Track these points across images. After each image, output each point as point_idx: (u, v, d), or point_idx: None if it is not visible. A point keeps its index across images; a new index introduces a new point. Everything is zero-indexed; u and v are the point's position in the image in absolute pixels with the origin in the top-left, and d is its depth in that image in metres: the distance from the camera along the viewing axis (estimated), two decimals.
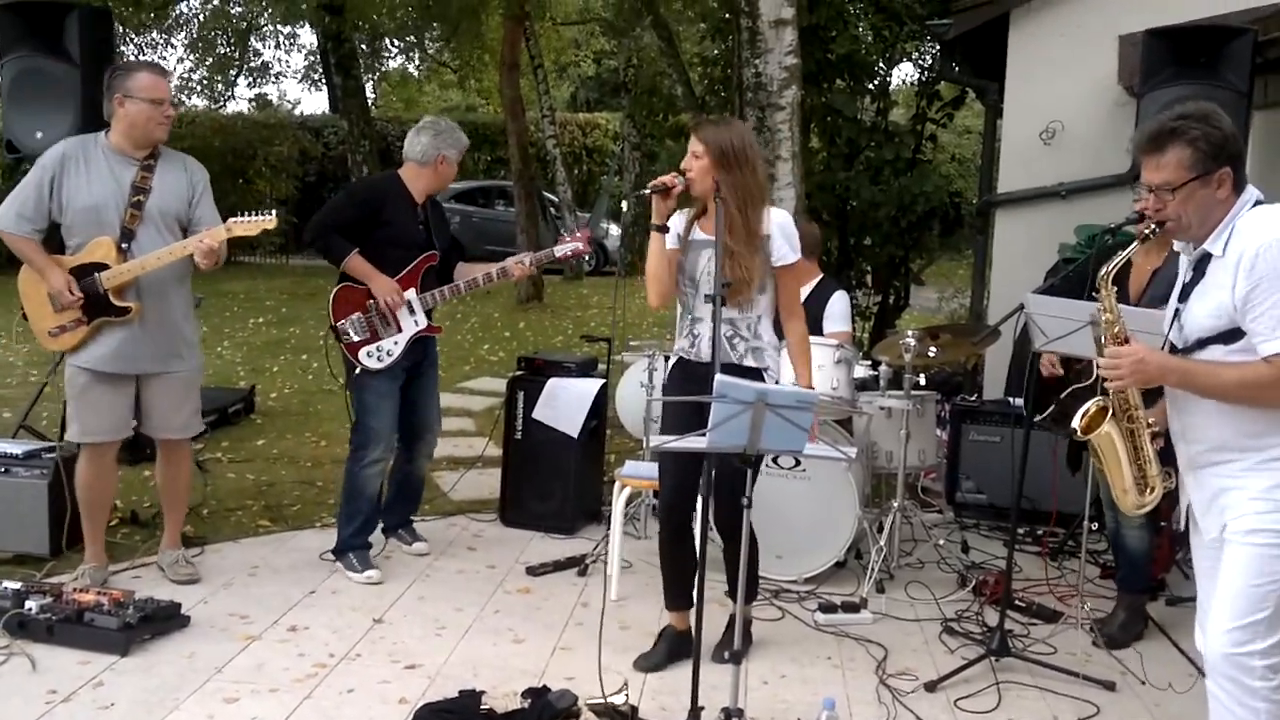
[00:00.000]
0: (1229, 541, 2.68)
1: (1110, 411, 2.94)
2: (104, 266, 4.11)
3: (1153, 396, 2.94)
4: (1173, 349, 2.78)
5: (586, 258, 4.82)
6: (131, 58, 19.95)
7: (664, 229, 3.74)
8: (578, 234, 4.77)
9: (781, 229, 3.80)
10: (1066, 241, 6.30)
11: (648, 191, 3.70)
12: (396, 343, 4.63)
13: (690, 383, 3.77)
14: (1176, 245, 2.93)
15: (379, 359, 4.61)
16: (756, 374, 3.75)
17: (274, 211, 4.18)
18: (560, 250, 4.68)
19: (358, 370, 4.64)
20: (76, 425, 4.26)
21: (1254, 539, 2.62)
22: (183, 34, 20.55)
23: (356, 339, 4.61)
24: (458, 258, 4.92)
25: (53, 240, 4.23)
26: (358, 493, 4.70)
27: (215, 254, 4.12)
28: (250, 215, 4.16)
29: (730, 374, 3.57)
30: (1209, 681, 2.72)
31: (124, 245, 4.13)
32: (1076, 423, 3.01)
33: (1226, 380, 2.63)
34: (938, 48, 9.08)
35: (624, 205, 19.65)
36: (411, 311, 4.64)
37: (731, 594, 3.93)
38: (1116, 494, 3.08)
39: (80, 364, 4.19)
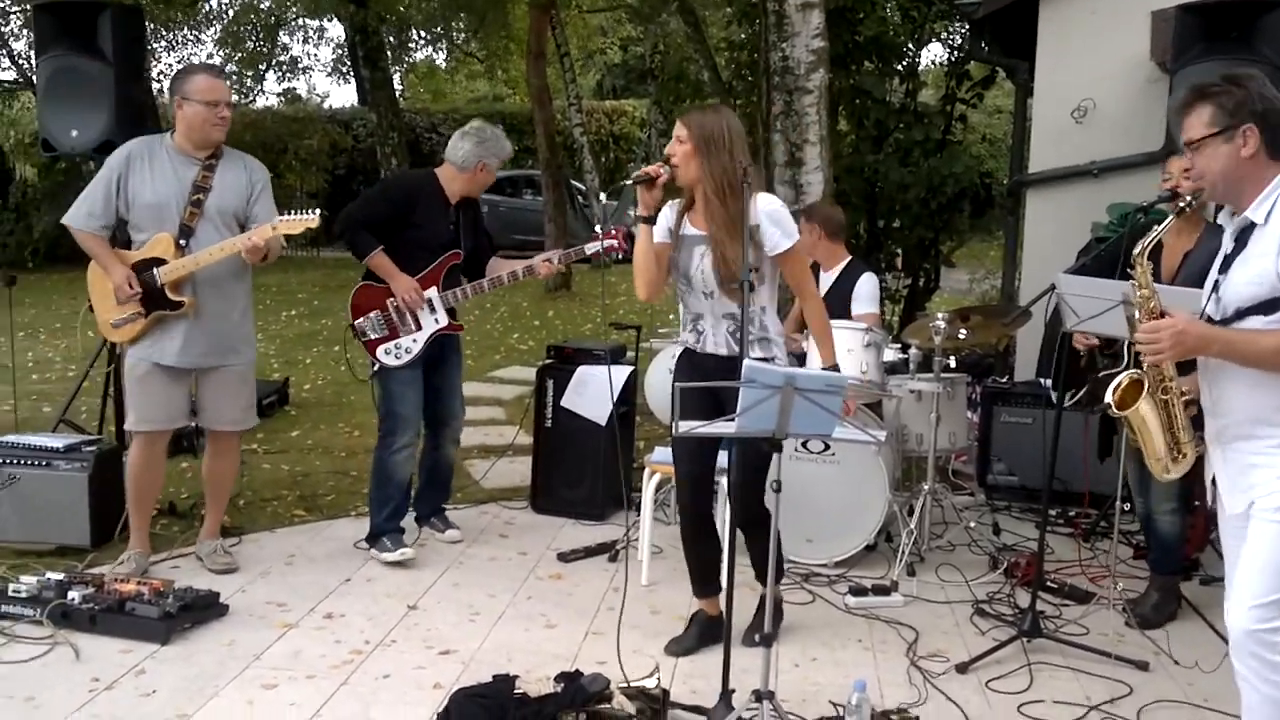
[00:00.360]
0: (1255, 518, 2.67)
1: (1145, 385, 2.92)
2: (163, 262, 4.25)
3: (1186, 367, 2.92)
4: (1209, 322, 2.75)
5: (618, 255, 4.72)
6: (162, 55, 20.18)
7: (650, 220, 3.69)
8: (612, 230, 4.68)
9: (770, 216, 3.67)
10: (1099, 220, 6.24)
11: (631, 183, 3.65)
12: (415, 340, 4.68)
13: (697, 373, 3.73)
14: (1221, 218, 2.89)
15: (397, 356, 4.67)
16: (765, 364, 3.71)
17: (317, 210, 4.28)
18: (591, 248, 4.62)
19: (376, 365, 4.71)
20: (134, 413, 4.40)
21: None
22: (212, 29, 20.71)
23: (374, 337, 4.68)
24: (489, 252, 4.94)
25: (119, 237, 4.39)
26: (387, 478, 4.76)
27: (260, 250, 4.22)
28: (295, 214, 4.27)
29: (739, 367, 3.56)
30: (1234, 659, 2.70)
31: (182, 241, 4.27)
32: (1109, 397, 3.00)
33: (1265, 347, 2.59)
34: (967, 27, 9.00)
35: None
36: (432, 310, 4.68)
37: (760, 578, 3.94)
38: (1150, 462, 3.08)
39: (140, 355, 4.34)
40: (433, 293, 4.68)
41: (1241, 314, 2.66)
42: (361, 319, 4.69)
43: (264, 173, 4.52)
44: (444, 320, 4.71)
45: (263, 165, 4.56)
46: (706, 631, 3.90)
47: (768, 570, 3.37)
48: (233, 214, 4.37)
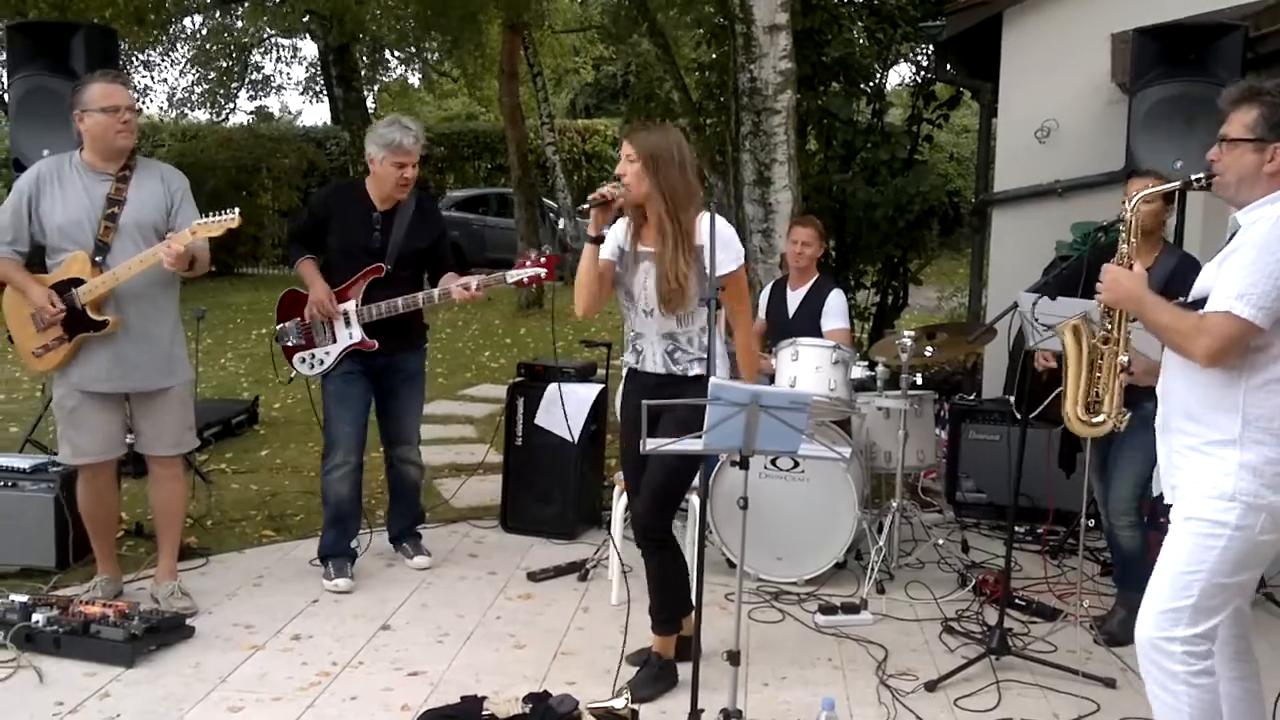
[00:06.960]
0: (1172, 524, 2.76)
1: (1080, 327, 3.23)
2: (80, 282, 4.03)
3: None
4: None
5: (553, 284, 4.58)
6: (134, 75, 20.08)
7: (599, 240, 3.66)
8: (542, 259, 4.47)
9: (717, 235, 3.53)
10: (1063, 239, 6.32)
11: (587, 206, 3.61)
12: (328, 352, 4.64)
13: (639, 392, 3.66)
14: (1231, 219, 2.92)
15: (311, 365, 4.68)
16: (701, 382, 3.50)
17: (236, 210, 4.04)
18: (513, 276, 4.41)
19: (294, 373, 4.75)
20: (68, 446, 4.20)
21: (1189, 527, 2.70)
22: (185, 48, 20.64)
23: (290, 344, 4.71)
24: (445, 263, 4.77)
25: (35, 262, 4.16)
26: (325, 499, 4.73)
27: (183, 257, 3.98)
28: (215, 215, 4.02)
29: (674, 385, 3.61)
30: (1140, 667, 2.78)
31: (98, 259, 4.04)
32: (1060, 325, 3.32)
33: (1161, 318, 2.74)
34: (932, 49, 9.11)
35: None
36: (347, 323, 4.61)
37: (655, 626, 3.83)
38: (1066, 404, 3.30)
39: (70, 385, 4.13)
40: (349, 306, 4.59)
41: (1198, 304, 2.73)
42: (282, 324, 4.72)
43: (182, 180, 4.24)
44: (357, 335, 4.60)
45: (180, 173, 4.27)
46: (661, 675, 3.74)
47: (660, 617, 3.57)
48: (151, 227, 4.10)
